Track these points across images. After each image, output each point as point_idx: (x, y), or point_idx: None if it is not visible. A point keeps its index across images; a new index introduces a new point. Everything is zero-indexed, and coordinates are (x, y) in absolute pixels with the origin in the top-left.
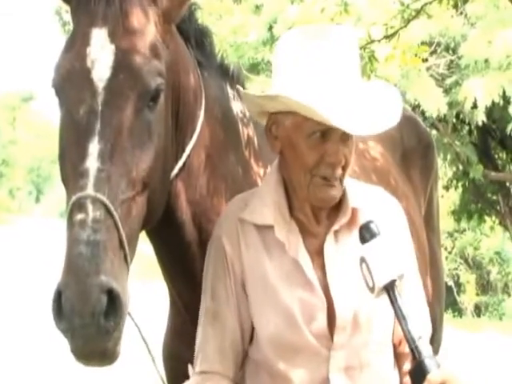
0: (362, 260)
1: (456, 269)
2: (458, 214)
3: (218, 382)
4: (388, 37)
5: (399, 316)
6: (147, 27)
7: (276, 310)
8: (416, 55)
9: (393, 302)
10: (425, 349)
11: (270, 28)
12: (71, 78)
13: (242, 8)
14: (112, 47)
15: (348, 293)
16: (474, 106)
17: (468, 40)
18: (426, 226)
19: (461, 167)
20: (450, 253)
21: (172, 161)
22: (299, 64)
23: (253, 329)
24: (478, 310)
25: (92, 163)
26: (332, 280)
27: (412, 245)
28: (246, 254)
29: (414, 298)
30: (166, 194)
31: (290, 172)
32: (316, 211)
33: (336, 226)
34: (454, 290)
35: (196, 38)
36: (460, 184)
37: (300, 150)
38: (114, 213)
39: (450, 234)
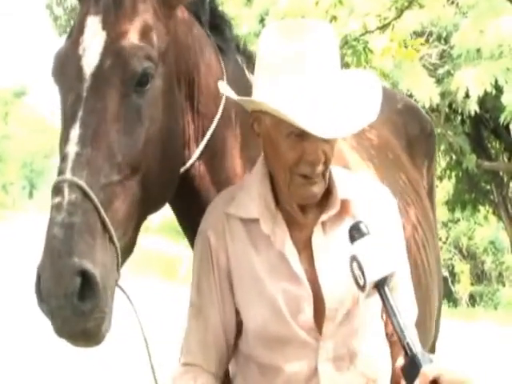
0: (353, 258)
1: (450, 259)
2: (451, 204)
3: (199, 375)
4: (381, 27)
5: (390, 313)
6: (141, 13)
7: (262, 303)
8: (412, 47)
9: (384, 299)
10: (416, 345)
11: (262, 20)
12: (65, 66)
13: (234, 0)
14: (103, 34)
15: (337, 284)
16: (467, 96)
17: (460, 29)
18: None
19: (454, 157)
20: (444, 243)
21: (183, 144)
22: (273, 64)
23: (241, 323)
24: (472, 300)
25: (72, 148)
26: (320, 271)
27: (402, 232)
28: (231, 248)
29: (404, 288)
30: (171, 177)
31: (273, 169)
32: (304, 204)
33: (324, 217)
34: (449, 280)
35: (212, 22)
36: (453, 174)
37: (279, 148)
38: (93, 196)
39: (444, 224)
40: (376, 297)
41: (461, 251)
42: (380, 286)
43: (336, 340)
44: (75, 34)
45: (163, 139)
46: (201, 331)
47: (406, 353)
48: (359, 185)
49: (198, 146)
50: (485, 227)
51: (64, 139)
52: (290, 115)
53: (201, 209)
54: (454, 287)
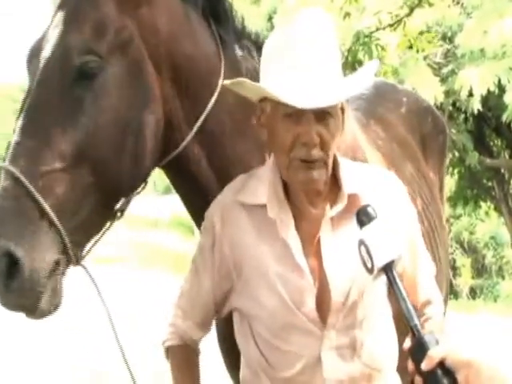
0: (361, 242)
1: (452, 253)
2: (454, 200)
3: (185, 318)
4: (393, 25)
5: (398, 296)
6: (100, 6)
7: (270, 292)
8: (425, 40)
9: (391, 282)
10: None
11: (270, 19)
12: (32, 58)
13: None
14: (60, 28)
15: (344, 277)
16: (470, 95)
17: (464, 29)
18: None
19: (457, 154)
20: None
21: (169, 128)
22: (268, 52)
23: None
24: (473, 293)
25: (14, 138)
26: (328, 265)
27: (416, 217)
28: (237, 235)
29: (424, 265)
30: (137, 163)
31: (275, 157)
32: (310, 196)
33: (332, 213)
34: (451, 273)
35: (213, 11)
36: (456, 171)
37: (278, 134)
38: (26, 182)
39: (447, 220)
40: (381, 287)
41: (462, 245)
42: (388, 269)
43: (340, 331)
44: (46, 27)
45: (121, 128)
46: (193, 287)
47: (414, 334)
48: (367, 175)
49: (191, 129)
50: (486, 222)
51: (14, 130)
52: (270, 89)
53: (201, 194)
54: (456, 280)
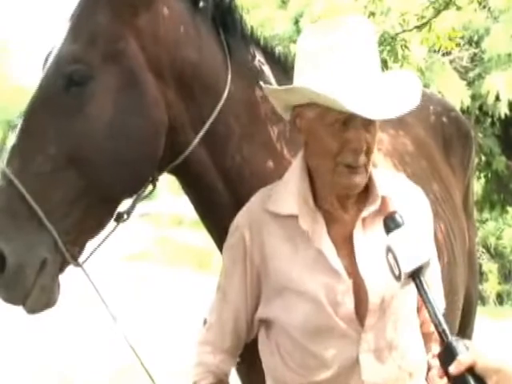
0: (388, 249)
1: (478, 258)
2: (480, 205)
3: (217, 352)
4: (419, 27)
5: (426, 301)
6: (96, 16)
7: (303, 298)
8: (450, 39)
9: (419, 288)
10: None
11: (296, 22)
12: (44, 66)
13: (268, 2)
14: (64, 37)
15: (378, 278)
16: (497, 99)
17: (491, 34)
18: (464, 212)
19: (484, 158)
20: None
21: (171, 133)
22: (314, 56)
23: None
24: (500, 299)
25: (12, 141)
26: (362, 266)
27: (432, 232)
28: (268, 245)
29: (434, 282)
30: (132, 166)
31: (315, 161)
32: (342, 199)
33: (365, 213)
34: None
35: (220, 18)
36: (483, 175)
37: (323, 139)
38: (18, 184)
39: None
40: (412, 290)
41: (489, 251)
42: (415, 275)
43: (376, 332)
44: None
45: (111, 133)
46: (223, 315)
47: (443, 340)
48: (395, 182)
49: (197, 133)
50: None
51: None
52: (339, 99)
53: (208, 197)
54: (482, 286)
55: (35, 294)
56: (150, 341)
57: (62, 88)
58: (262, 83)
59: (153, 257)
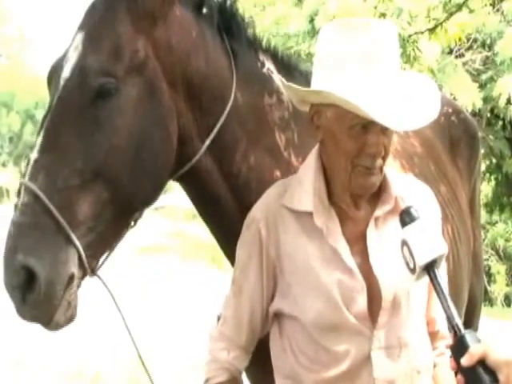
0: (403, 243)
1: (487, 259)
2: (490, 207)
3: (231, 348)
4: (431, 29)
5: (440, 294)
6: (116, 28)
7: (317, 293)
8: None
9: (433, 281)
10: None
11: (311, 20)
12: (53, 76)
13: (284, 0)
14: (80, 49)
15: (391, 276)
16: (508, 102)
17: (504, 37)
18: (470, 213)
19: (494, 161)
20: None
21: (181, 143)
22: (340, 59)
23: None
24: (507, 300)
25: (33, 154)
26: (375, 264)
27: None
28: (284, 240)
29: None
30: (151, 177)
31: (332, 160)
32: (355, 197)
33: (379, 212)
34: (485, 280)
35: (225, 25)
36: (493, 177)
37: (341, 140)
38: (44, 198)
39: (482, 226)
40: (423, 290)
41: (497, 252)
42: (430, 268)
43: (388, 330)
44: (67, 46)
45: (135, 144)
46: (238, 309)
47: (455, 333)
48: (406, 182)
49: (203, 142)
50: None
51: (33, 146)
52: (363, 107)
53: (214, 203)
54: (490, 287)
55: (61, 311)
56: (161, 334)
57: (89, 101)
58: (283, 80)
59: (166, 250)
